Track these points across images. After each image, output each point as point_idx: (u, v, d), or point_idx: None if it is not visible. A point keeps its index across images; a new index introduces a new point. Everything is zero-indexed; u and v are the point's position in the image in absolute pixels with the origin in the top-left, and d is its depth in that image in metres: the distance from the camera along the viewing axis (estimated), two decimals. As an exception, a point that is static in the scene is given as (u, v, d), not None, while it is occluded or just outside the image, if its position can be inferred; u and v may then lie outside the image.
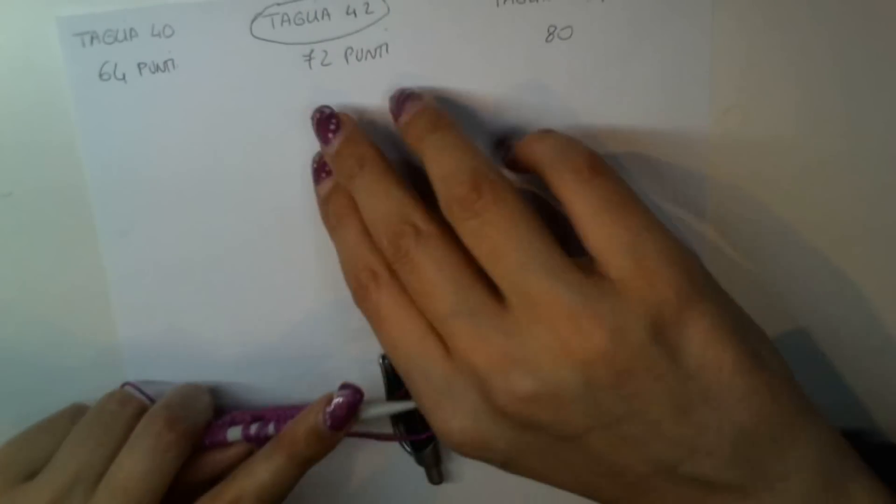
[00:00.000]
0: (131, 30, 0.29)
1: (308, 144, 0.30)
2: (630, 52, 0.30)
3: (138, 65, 0.30)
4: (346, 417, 0.28)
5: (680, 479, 0.24)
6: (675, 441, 0.23)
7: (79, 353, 0.32)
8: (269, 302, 0.33)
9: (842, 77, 0.30)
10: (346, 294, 0.28)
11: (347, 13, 0.29)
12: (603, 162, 0.26)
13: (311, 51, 0.30)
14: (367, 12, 0.29)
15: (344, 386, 0.29)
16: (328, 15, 0.29)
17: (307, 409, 0.29)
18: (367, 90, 0.30)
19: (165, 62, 0.30)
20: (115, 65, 0.30)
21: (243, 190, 0.31)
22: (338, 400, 0.28)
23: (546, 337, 0.23)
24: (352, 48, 0.30)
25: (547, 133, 0.28)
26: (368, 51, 0.30)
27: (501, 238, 0.24)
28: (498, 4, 0.29)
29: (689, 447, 0.23)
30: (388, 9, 0.29)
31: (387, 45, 0.30)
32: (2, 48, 0.30)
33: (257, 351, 0.33)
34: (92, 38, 0.29)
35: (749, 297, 0.31)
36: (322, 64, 0.30)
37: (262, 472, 0.29)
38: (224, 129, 0.30)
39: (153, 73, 0.30)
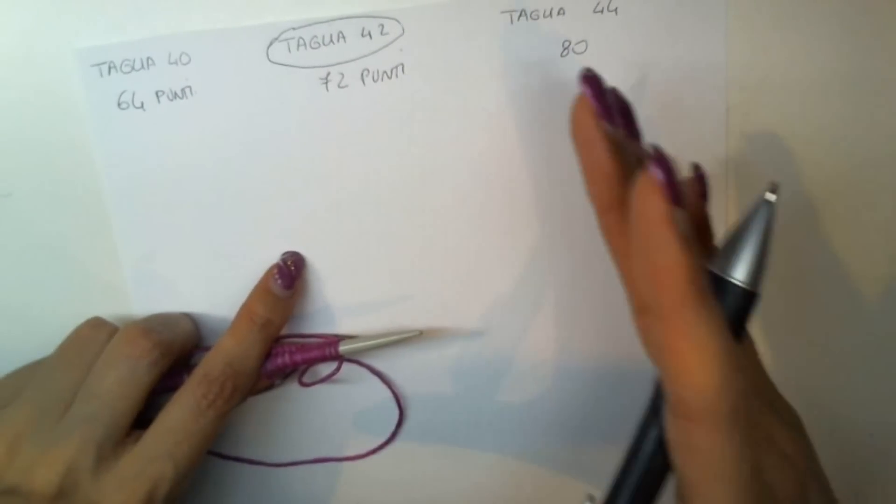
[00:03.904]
0: (148, 58, 0.29)
1: (326, 166, 0.31)
2: (645, 64, 0.30)
3: (156, 93, 0.30)
4: (292, 274, 0.31)
5: None
6: None
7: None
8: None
9: (856, 80, 0.30)
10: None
11: (362, 35, 0.29)
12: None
13: (328, 73, 0.30)
14: (381, 33, 0.29)
15: (286, 252, 0.32)
16: (343, 37, 0.29)
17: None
18: (384, 110, 0.30)
19: (183, 89, 0.30)
20: (133, 94, 0.30)
21: (263, 214, 0.31)
22: (283, 258, 0.31)
23: None
24: (368, 69, 0.30)
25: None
26: (384, 71, 0.30)
27: None
28: (512, 21, 0.29)
29: None
30: (403, 29, 0.29)
31: (403, 65, 0.30)
32: (22, 79, 0.30)
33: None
34: (110, 68, 0.30)
35: (774, 296, 0.31)
36: (339, 86, 0.30)
37: (226, 341, 0.30)
38: (243, 154, 0.31)
39: (171, 100, 0.30)
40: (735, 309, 0.20)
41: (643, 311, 0.22)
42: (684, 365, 0.19)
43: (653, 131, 0.31)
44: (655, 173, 0.18)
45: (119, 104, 0.30)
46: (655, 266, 0.19)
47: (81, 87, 0.30)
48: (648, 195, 0.18)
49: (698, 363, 0.19)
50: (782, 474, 0.22)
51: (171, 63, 0.30)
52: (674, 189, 0.18)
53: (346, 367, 0.33)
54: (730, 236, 0.21)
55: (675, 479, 0.22)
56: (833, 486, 0.24)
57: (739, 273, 0.20)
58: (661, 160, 0.19)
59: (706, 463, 0.20)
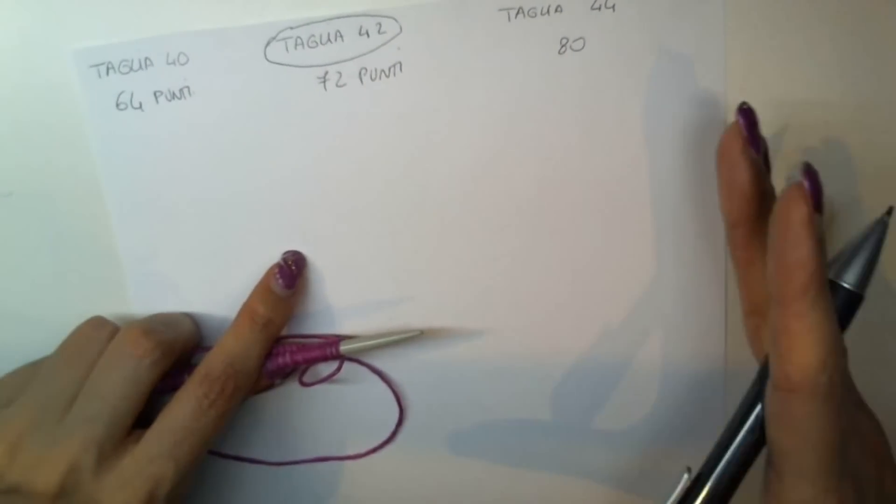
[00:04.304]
0: (146, 59, 0.30)
1: (325, 165, 0.31)
2: (643, 60, 0.30)
3: (154, 93, 0.30)
4: (293, 274, 0.31)
5: None
6: None
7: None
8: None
9: (856, 80, 0.30)
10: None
11: (360, 34, 0.29)
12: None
13: (326, 73, 0.30)
14: (379, 32, 0.29)
15: (287, 252, 0.31)
16: (341, 36, 0.29)
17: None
18: (382, 109, 0.30)
19: (181, 90, 0.30)
20: (132, 94, 0.30)
21: (262, 214, 0.31)
22: (284, 257, 0.31)
23: None
24: (366, 68, 0.30)
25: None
26: (382, 70, 0.30)
27: None
28: (510, 19, 0.29)
29: None
30: (401, 28, 0.29)
31: (400, 63, 0.30)
32: (21, 79, 0.30)
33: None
34: (108, 69, 0.30)
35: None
36: (337, 85, 0.30)
37: (227, 340, 0.30)
38: (241, 154, 0.31)
39: (169, 100, 0.30)
40: (842, 307, 0.24)
41: (754, 311, 0.27)
42: (795, 343, 0.22)
43: (651, 129, 0.31)
44: (806, 183, 0.22)
45: (117, 105, 0.30)
46: (788, 260, 0.22)
47: (80, 88, 0.30)
48: (796, 200, 0.22)
49: (808, 341, 0.22)
50: (864, 459, 0.24)
51: (169, 63, 0.30)
52: (818, 198, 0.22)
53: (346, 366, 0.33)
54: (844, 247, 0.24)
55: (768, 451, 0.24)
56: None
57: (850, 278, 0.24)
58: (811, 173, 0.22)
59: (800, 430, 0.22)
